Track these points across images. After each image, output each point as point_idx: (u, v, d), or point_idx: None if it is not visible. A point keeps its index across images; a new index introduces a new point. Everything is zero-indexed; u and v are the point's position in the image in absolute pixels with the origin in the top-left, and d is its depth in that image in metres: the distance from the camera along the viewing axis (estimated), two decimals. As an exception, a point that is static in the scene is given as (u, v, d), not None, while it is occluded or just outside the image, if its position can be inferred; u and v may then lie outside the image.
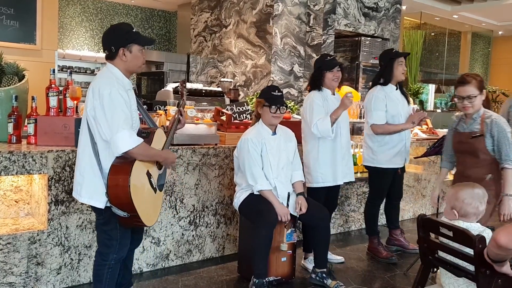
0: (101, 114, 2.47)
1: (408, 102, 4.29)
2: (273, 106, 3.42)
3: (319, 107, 3.73)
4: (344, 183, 3.96)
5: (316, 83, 3.83)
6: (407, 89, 8.82)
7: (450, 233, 2.30)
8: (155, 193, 2.72)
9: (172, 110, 3.98)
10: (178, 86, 3.30)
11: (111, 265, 2.68)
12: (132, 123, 2.58)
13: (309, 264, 3.90)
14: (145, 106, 3.04)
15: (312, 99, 3.78)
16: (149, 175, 2.65)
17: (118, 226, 2.64)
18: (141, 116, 2.91)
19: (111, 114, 2.45)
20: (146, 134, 2.65)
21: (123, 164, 2.49)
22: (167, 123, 3.47)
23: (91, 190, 2.57)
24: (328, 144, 3.80)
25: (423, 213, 2.55)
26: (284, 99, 3.58)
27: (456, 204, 2.44)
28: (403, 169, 4.37)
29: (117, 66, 2.59)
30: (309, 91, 3.91)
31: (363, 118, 5.91)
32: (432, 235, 2.52)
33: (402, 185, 4.49)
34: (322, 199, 3.87)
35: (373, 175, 4.28)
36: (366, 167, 4.33)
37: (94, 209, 2.68)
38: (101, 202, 2.57)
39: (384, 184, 4.25)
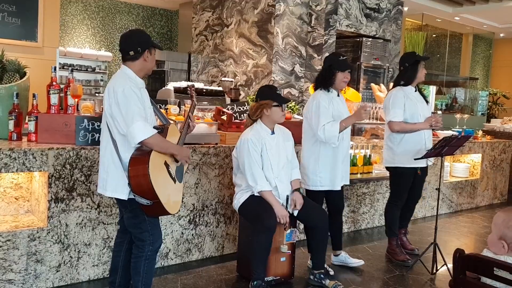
0: (116, 110, 2.62)
1: (427, 102, 4.33)
2: (283, 105, 3.46)
3: (326, 109, 3.66)
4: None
5: (325, 83, 3.74)
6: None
7: None
8: (175, 183, 2.84)
9: (173, 109, 3.99)
10: (187, 89, 3.45)
11: (147, 257, 2.80)
12: (147, 119, 2.72)
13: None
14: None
15: (318, 100, 3.69)
16: (167, 165, 2.78)
17: (147, 218, 2.76)
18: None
19: (125, 108, 2.60)
20: (160, 129, 2.79)
21: (141, 155, 2.65)
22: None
23: (114, 184, 2.72)
24: (330, 148, 3.75)
25: (460, 248, 2.01)
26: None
27: (508, 234, 1.90)
28: (425, 170, 4.38)
29: (131, 67, 2.76)
30: (315, 89, 3.84)
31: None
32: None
33: (421, 187, 4.48)
34: (321, 202, 3.88)
35: (393, 175, 4.32)
36: (387, 168, 4.37)
37: (120, 203, 2.83)
38: (124, 193, 2.71)
39: (404, 185, 4.26)
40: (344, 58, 3.77)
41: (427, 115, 4.21)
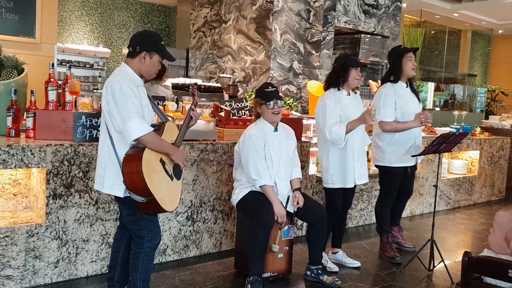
0: (113, 107, 2.64)
1: (419, 100, 4.26)
2: (269, 102, 3.42)
3: (332, 109, 3.71)
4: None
5: (338, 80, 3.76)
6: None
7: None
8: (172, 180, 2.83)
9: (171, 105, 3.99)
10: (189, 87, 3.48)
11: (146, 253, 2.80)
12: (145, 117, 2.72)
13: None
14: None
15: (325, 100, 3.75)
16: (163, 162, 2.77)
17: (145, 215, 2.76)
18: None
19: (122, 105, 2.62)
20: (157, 127, 2.80)
21: (135, 152, 2.66)
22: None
23: (111, 180, 2.72)
24: (339, 147, 3.78)
25: (467, 250, 1.99)
26: (281, 94, 3.56)
27: None
28: (414, 167, 4.37)
29: (131, 65, 2.77)
30: (325, 89, 3.86)
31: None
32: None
33: (412, 183, 4.48)
34: (339, 200, 3.88)
35: (383, 174, 4.30)
36: (376, 166, 4.37)
37: (118, 200, 2.83)
38: (120, 190, 2.71)
39: (393, 183, 4.26)
40: (355, 56, 3.80)
41: (418, 112, 4.15)
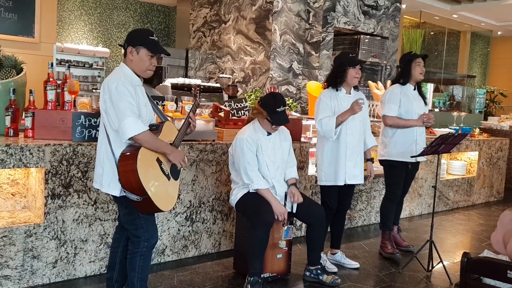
0: (110, 106, 2.64)
1: (425, 103, 4.40)
2: (275, 125, 3.39)
3: (325, 105, 3.77)
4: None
5: (336, 80, 3.80)
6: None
7: None
8: (169, 180, 2.81)
9: (170, 105, 3.98)
10: (191, 88, 3.45)
11: (143, 253, 2.80)
12: (142, 117, 2.72)
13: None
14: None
15: (320, 96, 3.84)
16: (159, 162, 2.75)
17: (141, 215, 2.76)
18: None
19: (118, 104, 2.62)
20: (155, 126, 2.79)
21: (131, 151, 2.66)
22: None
23: (108, 179, 2.73)
24: (332, 143, 3.80)
25: (466, 251, 1.97)
26: (284, 97, 3.55)
27: None
28: (416, 166, 4.46)
29: (127, 65, 2.77)
30: (324, 88, 3.91)
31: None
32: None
33: (410, 182, 4.56)
34: (332, 199, 3.87)
35: (386, 169, 4.42)
36: (380, 162, 4.46)
37: (115, 199, 2.84)
38: (117, 189, 2.72)
39: (396, 178, 4.34)
40: (353, 55, 3.90)
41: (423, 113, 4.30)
